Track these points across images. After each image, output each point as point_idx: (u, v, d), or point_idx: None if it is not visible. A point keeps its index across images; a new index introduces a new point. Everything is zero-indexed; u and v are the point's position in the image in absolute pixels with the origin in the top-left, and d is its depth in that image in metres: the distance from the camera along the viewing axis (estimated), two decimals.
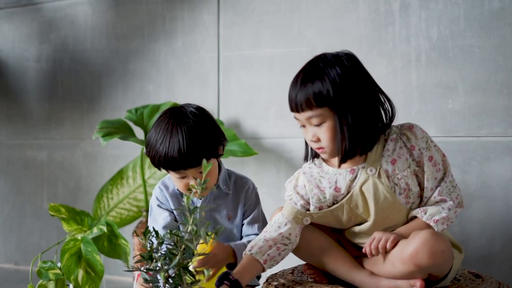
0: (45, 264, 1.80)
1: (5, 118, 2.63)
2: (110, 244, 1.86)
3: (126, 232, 2.17)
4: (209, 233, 1.18)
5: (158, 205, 1.53)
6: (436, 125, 1.84)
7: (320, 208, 1.38)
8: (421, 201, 1.36)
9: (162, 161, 1.40)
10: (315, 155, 1.41)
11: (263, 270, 1.38)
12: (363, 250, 1.33)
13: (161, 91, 2.28)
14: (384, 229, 1.36)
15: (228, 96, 2.16)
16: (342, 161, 1.31)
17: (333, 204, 1.36)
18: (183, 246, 1.18)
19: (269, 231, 1.39)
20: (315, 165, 1.40)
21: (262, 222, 1.55)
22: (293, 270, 1.53)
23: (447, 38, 1.82)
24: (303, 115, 1.30)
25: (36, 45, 2.55)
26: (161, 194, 1.53)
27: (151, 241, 1.22)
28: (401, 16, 1.88)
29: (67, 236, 1.88)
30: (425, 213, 1.32)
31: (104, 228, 1.81)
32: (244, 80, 2.14)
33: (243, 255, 1.39)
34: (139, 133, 2.13)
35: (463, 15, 1.80)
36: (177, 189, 1.52)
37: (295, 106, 1.30)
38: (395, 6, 1.89)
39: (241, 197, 1.53)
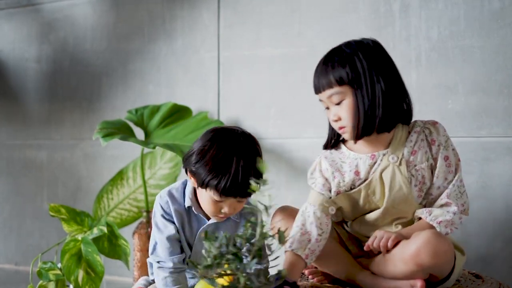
0: (45, 265, 1.80)
1: (5, 119, 2.63)
2: (110, 244, 1.86)
3: (126, 232, 2.17)
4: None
5: (163, 215, 1.51)
6: None
7: (338, 193, 1.40)
8: (427, 198, 1.37)
9: (212, 186, 1.37)
10: (335, 144, 1.44)
11: (306, 266, 1.37)
12: (365, 248, 1.34)
13: (161, 91, 2.28)
14: (391, 220, 1.38)
15: (228, 96, 2.16)
16: (357, 137, 1.34)
17: (351, 189, 1.39)
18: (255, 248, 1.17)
19: (302, 225, 1.38)
20: (336, 150, 1.44)
21: None
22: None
23: (447, 39, 1.82)
24: (325, 95, 1.36)
25: (36, 46, 2.55)
26: (166, 204, 1.51)
27: (224, 246, 1.19)
28: (401, 17, 1.88)
29: (67, 236, 1.88)
30: (430, 214, 1.33)
31: (104, 229, 1.81)
32: (244, 80, 2.14)
33: (284, 253, 1.37)
34: (139, 133, 2.13)
35: (463, 15, 1.80)
36: (188, 207, 1.50)
37: (318, 88, 1.37)
38: (395, 6, 1.89)
39: (242, 222, 1.51)
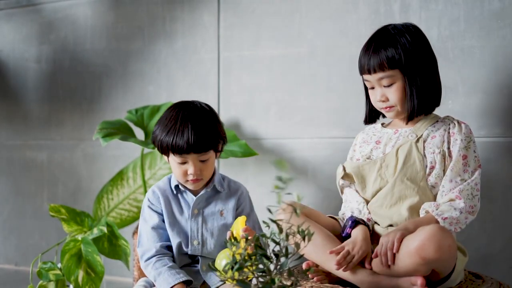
0: (45, 265, 1.80)
1: (5, 119, 2.63)
2: (110, 245, 1.86)
3: (126, 232, 2.17)
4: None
5: (149, 206, 1.60)
6: None
7: (357, 160, 1.52)
8: (438, 188, 1.41)
9: (169, 146, 1.50)
10: (372, 119, 1.55)
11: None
12: (373, 256, 1.35)
13: (161, 92, 2.28)
14: (397, 198, 1.43)
15: (228, 96, 2.16)
16: (409, 118, 1.45)
17: (368, 159, 1.49)
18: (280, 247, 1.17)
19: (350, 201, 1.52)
20: (373, 126, 1.57)
21: (258, 226, 1.63)
22: (293, 270, 1.53)
23: (447, 39, 1.82)
24: (375, 77, 1.44)
25: (36, 46, 2.55)
26: (153, 195, 1.60)
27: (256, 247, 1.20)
28: (401, 17, 1.88)
29: (67, 236, 1.88)
30: (436, 209, 1.36)
31: (104, 229, 1.82)
32: (244, 80, 2.14)
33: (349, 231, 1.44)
34: (139, 133, 2.13)
35: (463, 15, 1.81)
36: (175, 186, 1.59)
37: (368, 69, 1.44)
38: (395, 6, 1.89)
39: (234, 198, 1.61)
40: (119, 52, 2.38)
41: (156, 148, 1.58)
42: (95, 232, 1.82)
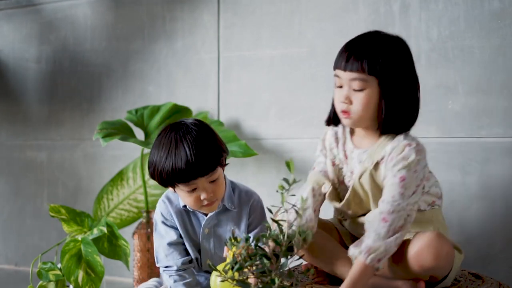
0: (45, 265, 1.80)
1: (5, 119, 2.63)
2: (110, 245, 1.86)
3: (126, 233, 2.17)
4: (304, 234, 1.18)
5: (163, 222, 1.53)
6: (437, 125, 1.84)
7: (333, 164, 1.40)
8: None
9: (170, 175, 1.38)
10: (336, 121, 1.40)
11: None
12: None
13: (161, 92, 2.28)
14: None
15: (228, 96, 2.16)
16: (383, 131, 1.32)
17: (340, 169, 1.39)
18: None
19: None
20: (343, 130, 1.42)
21: None
22: (293, 270, 1.53)
23: (447, 39, 1.82)
24: (348, 75, 1.30)
25: (36, 46, 2.55)
26: (165, 209, 1.52)
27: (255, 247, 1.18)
28: (401, 17, 1.88)
29: (67, 237, 1.88)
30: (369, 254, 1.25)
31: (104, 229, 1.81)
32: (244, 80, 2.14)
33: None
34: (139, 134, 2.13)
35: (463, 16, 1.81)
36: (183, 206, 1.51)
37: (344, 65, 1.30)
38: (395, 7, 1.89)
39: (245, 211, 1.52)
40: (119, 52, 2.38)
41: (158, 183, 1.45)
42: (95, 232, 1.82)
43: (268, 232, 1.20)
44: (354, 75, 1.29)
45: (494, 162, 1.77)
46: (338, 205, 1.39)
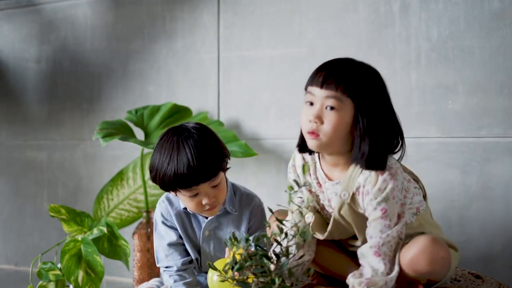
0: (45, 265, 1.80)
1: (5, 119, 2.63)
2: (110, 245, 1.86)
3: (126, 233, 2.17)
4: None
5: (163, 222, 1.52)
6: (436, 125, 1.84)
7: (310, 191, 1.36)
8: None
9: (172, 180, 1.37)
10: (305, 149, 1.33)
11: None
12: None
13: (161, 92, 2.28)
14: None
15: (228, 96, 2.16)
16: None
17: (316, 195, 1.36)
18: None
19: None
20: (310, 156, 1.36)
21: None
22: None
23: (447, 39, 1.82)
24: (324, 93, 1.23)
25: (36, 46, 2.55)
26: (165, 210, 1.52)
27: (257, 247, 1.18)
28: (401, 17, 1.88)
29: (67, 237, 1.88)
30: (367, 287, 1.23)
31: (104, 229, 1.81)
32: (244, 80, 2.14)
33: None
34: (139, 134, 2.13)
35: (463, 16, 1.81)
36: (184, 208, 1.51)
37: (321, 82, 1.23)
38: (395, 7, 1.89)
39: (245, 214, 1.52)
40: (119, 52, 2.38)
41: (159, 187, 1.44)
42: (95, 232, 1.82)
43: (269, 232, 1.20)
44: (331, 93, 1.22)
45: (494, 162, 1.77)
46: (322, 237, 1.36)
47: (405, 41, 1.88)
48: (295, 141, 2.05)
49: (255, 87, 2.12)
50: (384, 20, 1.91)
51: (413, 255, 1.22)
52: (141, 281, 1.99)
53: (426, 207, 1.39)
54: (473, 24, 1.79)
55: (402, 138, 1.29)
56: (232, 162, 2.00)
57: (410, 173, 1.41)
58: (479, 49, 1.79)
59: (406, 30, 1.88)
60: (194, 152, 1.35)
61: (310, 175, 1.36)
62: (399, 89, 1.88)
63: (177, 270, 1.50)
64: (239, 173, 2.07)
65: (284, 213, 1.45)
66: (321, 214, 1.38)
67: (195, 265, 1.54)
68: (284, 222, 1.20)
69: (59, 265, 1.80)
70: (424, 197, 1.40)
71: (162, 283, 1.61)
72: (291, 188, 1.20)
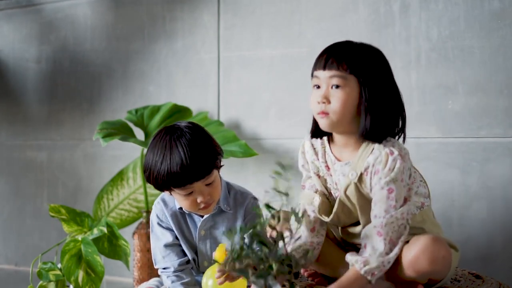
0: (45, 265, 1.80)
1: (5, 119, 2.63)
2: (111, 245, 1.86)
3: (126, 233, 2.17)
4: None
5: (159, 223, 1.53)
6: (436, 125, 1.84)
7: (318, 176, 1.39)
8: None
9: (166, 179, 1.38)
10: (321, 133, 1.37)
11: None
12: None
13: (161, 92, 2.28)
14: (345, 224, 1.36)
15: (228, 96, 2.16)
16: (365, 136, 1.29)
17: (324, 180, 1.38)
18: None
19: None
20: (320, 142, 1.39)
21: None
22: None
23: (447, 39, 1.82)
24: (328, 73, 1.27)
25: (36, 46, 2.55)
26: (161, 211, 1.52)
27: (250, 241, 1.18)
28: (401, 17, 1.88)
29: (67, 237, 1.88)
30: (364, 265, 1.24)
31: (105, 229, 1.82)
32: (244, 80, 2.14)
33: None
34: (139, 134, 2.13)
35: (463, 16, 1.81)
36: (179, 208, 1.51)
37: (324, 64, 1.28)
38: (395, 7, 1.89)
39: (240, 212, 1.52)
40: (119, 52, 2.38)
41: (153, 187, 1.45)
42: (95, 232, 1.82)
43: (262, 219, 1.20)
44: (334, 72, 1.27)
45: (494, 162, 1.77)
46: (327, 219, 1.37)
47: (405, 41, 1.88)
48: (295, 141, 2.06)
49: (255, 87, 2.12)
50: (384, 20, 1.91)
51: (414, 255, 1.22)
52: (141, 281, 1.99)
53: (430, 206, 1.40)
54: (473, 24, 1.79)
55: (404, 118, 1.33)
56: (232, 162, 2.01)
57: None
58: (479, 49, 1.79)
59: (406, 30, 1.88)
60: (187, 151, 1.36)
61: (318, 159, 1.38)
62: (399, 89, 1.87)
63: (175, 271, 1.50)
64: (239, 173, 2.07)
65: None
66: (329, 200, 1.39)
67: (193, 265, 1.55)
68: (272, 206, 1.21)
69: (59, 265, 1.80)
70: (428, 195, 1.41)
71: (161, 283, 1.61)
72: (277, 172, 1.22)
